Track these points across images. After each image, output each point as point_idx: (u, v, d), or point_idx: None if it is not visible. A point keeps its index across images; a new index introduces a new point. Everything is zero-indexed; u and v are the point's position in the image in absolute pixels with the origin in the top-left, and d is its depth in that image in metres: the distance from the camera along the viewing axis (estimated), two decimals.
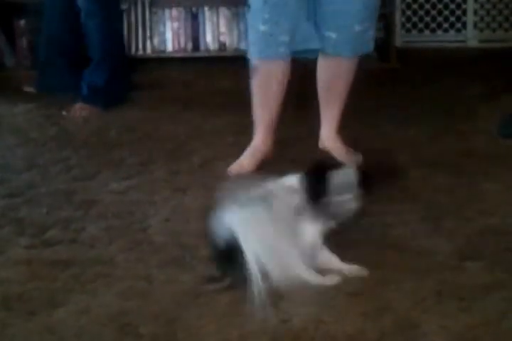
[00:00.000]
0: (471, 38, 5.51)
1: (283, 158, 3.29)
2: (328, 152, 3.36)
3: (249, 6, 3.20)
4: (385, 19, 5.10)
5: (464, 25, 5.51)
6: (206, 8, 5.09)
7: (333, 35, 3.20)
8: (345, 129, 3.47)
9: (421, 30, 5.53)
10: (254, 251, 2.15)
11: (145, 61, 5.08)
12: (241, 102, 4.26)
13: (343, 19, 3.17)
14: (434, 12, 5.51)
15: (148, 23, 5.07)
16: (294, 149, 3.43)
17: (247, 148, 3.30)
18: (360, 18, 3.19)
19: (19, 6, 4.89)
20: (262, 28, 3.13)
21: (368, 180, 2.31)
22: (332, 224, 2.32)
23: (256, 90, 3.28)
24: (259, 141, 3.30)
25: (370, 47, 3.31)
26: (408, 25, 5.53)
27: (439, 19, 5.51)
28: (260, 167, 3.24)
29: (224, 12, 5.09)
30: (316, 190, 2.25)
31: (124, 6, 5.00)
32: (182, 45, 5.12)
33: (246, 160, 3.25)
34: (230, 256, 2.18)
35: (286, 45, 3.17)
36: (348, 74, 3.32)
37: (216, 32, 5.12)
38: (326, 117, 3.40)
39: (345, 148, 3.35)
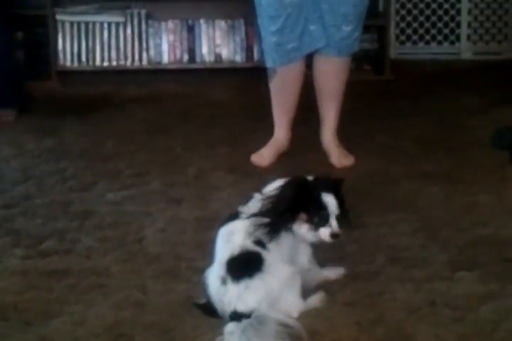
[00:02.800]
0: (465, 50, 5.53)
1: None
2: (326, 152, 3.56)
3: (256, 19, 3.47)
4: (379, 31, 5.12)
5: (458, 37, 5.53)
6: (202, 21, 5.11)
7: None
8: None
9: (415, 43, 5.56)
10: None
11: (141, 73, 5.09)
12: (236, 114, 4.30)
13: (332, 19, 3.35)
14: (428, 24, 5.53)
15: (144, 35, 5.08)
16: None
17: (268, 143, 3.56)
18: (348, 20, 3.37)
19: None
20: (272, 39, 3.39)
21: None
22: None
23: (274, 92, 3.55)
24: (280, 136, 3.58)
25: (355, 47, 3.50)
26: (402, 38, 5.55)
27: (433, 31, 5.54)
28: (279, 158, 3.53)
29: (220, 24, 5.11)
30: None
31: (120, 18, 5.03)
32: (178, 56, 5.13)
33: (266, 152, 3.53)
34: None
35: (295, 50, 3.40)
36: (340, 72, 3.52)
37: (212, 44, 5.13)
38: (324, 118, 3.57)
39: (341, 151, 3.53)
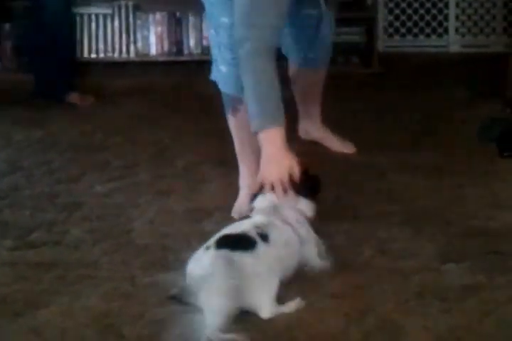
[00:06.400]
0: (453, 43, 5.54)
1: None
2: (319, 142, 3.55)
3: None
4: (367, 24, 5.12)
5: (446, 30, 5.54)
6: (190, 13, 5.10)
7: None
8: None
9: (403, 35, 5.56)
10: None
11: (129, 65, 5.08)
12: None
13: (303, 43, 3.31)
14: (416, 17, 5.54)
15: (132, 27, 5.07)
16: None
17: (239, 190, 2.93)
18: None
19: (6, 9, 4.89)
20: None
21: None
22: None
23: (238, 126, 2.93)
24: (248, 179, 2.89)
25: (330, 53, 3.44)
26: (390, 30, 5.56)
27: (421, 24, 5.54)
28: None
29: None
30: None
31: (108, 10, 5.02)
32: (165, 49, 5.12)
33: (244, 200, 2.82)
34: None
35: None
36: (322, 77, 3.48)
37: (199, 36, 5.13)
38: (308, 112, 3.55)
39: (337, 136, 3.54)
